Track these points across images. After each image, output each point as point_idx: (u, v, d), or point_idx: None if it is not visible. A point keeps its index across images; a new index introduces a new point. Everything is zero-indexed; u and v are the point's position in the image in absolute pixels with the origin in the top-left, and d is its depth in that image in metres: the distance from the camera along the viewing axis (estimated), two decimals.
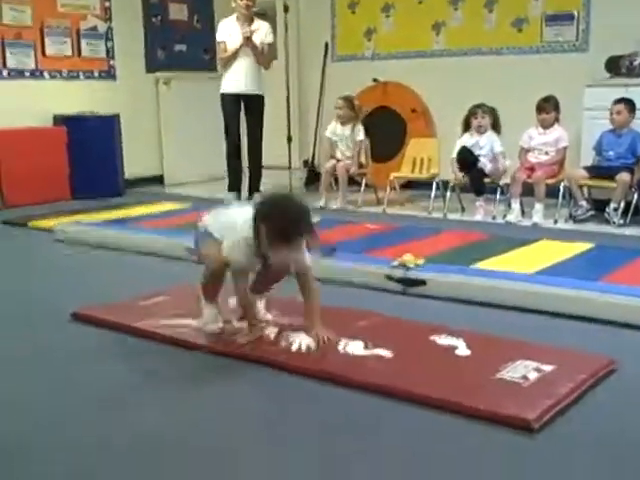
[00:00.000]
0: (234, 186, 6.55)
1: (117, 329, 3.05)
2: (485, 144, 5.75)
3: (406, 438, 2.14)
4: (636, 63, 5.77)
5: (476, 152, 5.73)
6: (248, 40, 6.16)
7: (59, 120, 6.81)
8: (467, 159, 5.69)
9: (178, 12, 7.94)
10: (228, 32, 6.29)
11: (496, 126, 5.80)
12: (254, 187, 6.58)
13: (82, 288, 3.79)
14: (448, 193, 5.88)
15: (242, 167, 6.70)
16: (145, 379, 2.60)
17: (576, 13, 6.36)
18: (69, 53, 7.03)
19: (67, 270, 4.26)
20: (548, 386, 2.36)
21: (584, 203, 5.48)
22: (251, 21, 6.27)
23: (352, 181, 6.47)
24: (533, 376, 2.44)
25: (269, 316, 3.08)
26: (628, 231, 5.10)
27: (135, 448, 2.09)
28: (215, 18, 7.74)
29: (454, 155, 5.81)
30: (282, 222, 2.64)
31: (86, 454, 2.06)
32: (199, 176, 7.79)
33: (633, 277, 3.56)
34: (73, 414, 2.31)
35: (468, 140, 5.81)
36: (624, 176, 5.23)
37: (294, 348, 2.74)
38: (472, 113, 5.81)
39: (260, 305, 3.10)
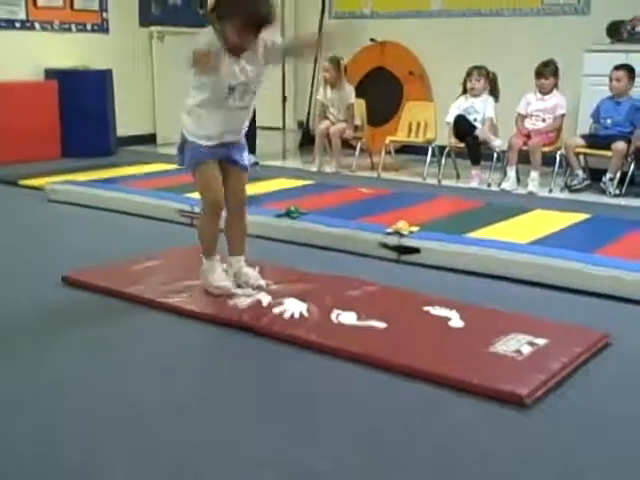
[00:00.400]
0: None
1: (108, 294, 3.02)
2: (480, 108, 5.68)
3: (397, 410, 2.14)
4: (638, 29, 5.68)
5: (472, 116, 5.67)
6: None
7: (51, 74, 6.68)
8: (463, 127, 5.62)
9: None
10: None
11: (494, 91, 5.73)
12: (250, 147, 6.47)
13: (73, 249, 3.75)
14: (443, 159, 5.83)
15: None
16: (133, 344, 2.58)
17: None
18: (61, 4, 6.87)
19: (57, 230, 4.22)
20: (541, 360, 2.35)
21: (580, 172, 5.44)
22: None
23: (346, 144, 6.40)
24: (526, 350, 2.42)
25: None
26: (624, 201, 5.08)
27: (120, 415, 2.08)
28: None
29: (449, 119, 5.74)
30: (254, 12, 2.64)
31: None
32: None
33: (628, 249, 3.56)
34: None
35: (463, 103, 5.74)
36: (620, 145, 5.19)
37: (287, 316, 2.73)
38: (468, 74, 5.73)
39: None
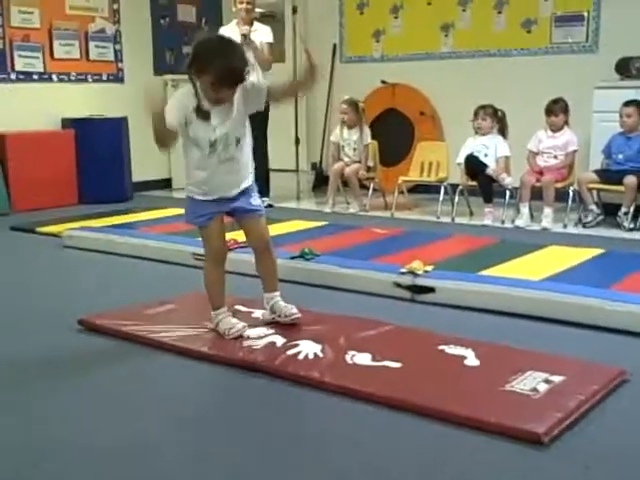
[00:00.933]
0: None
1: (123, 338, 3.04)
2: (490, 145, 5.71)
3: (415, 451, 2.12)
4: None
5: (482, 153, 5.69)
6: (245, 38, 6.16)
7: (67, 123, 6.82)
8: (474, 166, 5.66)
9: (186, 14, 7.94)
10: (228, 35, 6.27)
11: (503, 130, 5.76)
12: (262, 189, 6.53)
13: (89, 294, 3.79)
14: (456, 197, 5.85)
15: None
16: (149, 390, 2.58)
17: (586, 14, 6.32)
18: (77, 56, 7.03)
19: (73, 275, 4.26)
20: (558, 398, 2.33)
21: (594, 207, 5.44)
22: (251, 24, 6.27)
23: (360, 185, 6.44)
24: (543, 388, 2.41)
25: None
26: (638, 235, 5.06)
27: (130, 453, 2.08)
28: (223, 20, 7.73)
29: (460, 160, 5.77)
30: (225, 68, 2.70)
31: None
32: None
33: None
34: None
35: (472, 142, 5.77)
36: (631, 179, 5.19)
37: (301, 357, 2.73)
38: (475, 114, 5.78)
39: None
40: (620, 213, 5.28)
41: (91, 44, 7.12)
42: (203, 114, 2.80)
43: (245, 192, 2.99)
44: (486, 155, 5.69)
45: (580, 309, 3.17)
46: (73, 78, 7.01)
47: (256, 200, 3.04)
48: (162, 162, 7.73)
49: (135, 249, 4.61)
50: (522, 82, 6.53)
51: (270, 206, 6.46)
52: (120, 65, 7.37)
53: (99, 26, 7.18)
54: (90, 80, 7.15)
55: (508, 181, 5.66)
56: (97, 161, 6.74)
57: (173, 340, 2.95)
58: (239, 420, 2.34)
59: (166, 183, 7.76)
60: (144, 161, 7.34)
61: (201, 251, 4.26)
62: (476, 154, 5.69)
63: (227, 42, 2.83)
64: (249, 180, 3.01)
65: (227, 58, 2.72)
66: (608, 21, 6.20)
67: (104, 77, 7.26)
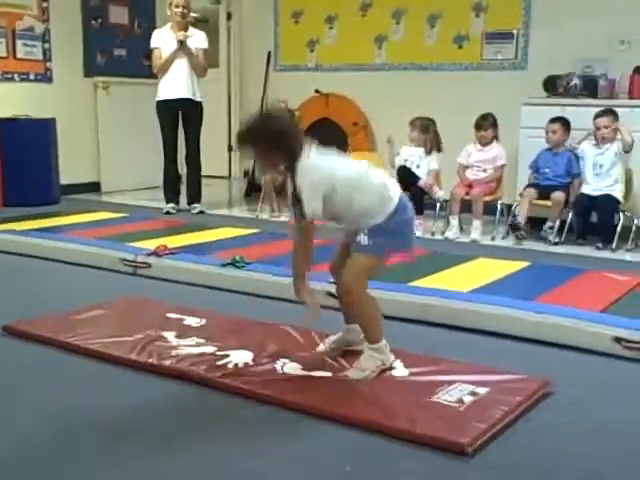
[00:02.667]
0: (172, 196, 6.48)
1: (51, 344, 2.96)
2: (423, 158, 5.78)
3: (340, 460, 2.12)
4: (572, 83, 5.89)
5: (415, 164, 5.76)
6: (182, 44, 6.11)
7: None
8: (406, 178, 5.72)
9: (119, 16, 7.80)
10: (163, 39, 6.24)
11: (435, 143, 5.82)
12: (194, 196, 6.51)
13: (13, 300, 3.68)
14: None
15: (180, 176, 6.62)
16: (83, 401, 2.51)
17: (515, 32, 6.48)
18: (4, 54, 6.82)
19: None
20: (483, 410, 2.37)
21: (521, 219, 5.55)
22: (186, 29, 6.23)
23: None
24: (468, 399, 2.44)
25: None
26: (563, 249, 5.20)
27: None
28: (157, 23, 7.63)
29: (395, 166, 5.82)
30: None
31: None
32: (137, 184, 7.65)
33: (567, 297, 3.62)
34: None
35: (407, 151, 5.83)
36: (559, 195, 5.34)
37: (231, 366, 2.70)
38: (411, 124, 5.84)
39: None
40: (545, 227, 5.41)
41: (18, 42, 6.92)
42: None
43: None
44: (418, 166, 5.76)
45: (506, 320, 3.23)
46: None
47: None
48: (91, 165, 7.58)
49: (61, 253, 4.50)
50: (453, 96, 6.65)
51: (202, 212, 6.40)
52: (49, 65, 7.18)
53: (27, 24, 6.98)
54: (17, 79, 6.94)
55: (439, 194, 5.75)
56: (22, 162, 6.53)
57: (100, 346, 2.89)
58: (161, 426, 2.30)
59: (95, 186, 7.59)
60: (72, 163, 7.19)
61: (130, 257, 4.25)
62: (409, 165, 5.76)
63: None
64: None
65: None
66: (536, 40, 6.37)
67: (32, 76, 7.06)
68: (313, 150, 2.66)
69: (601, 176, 5.32)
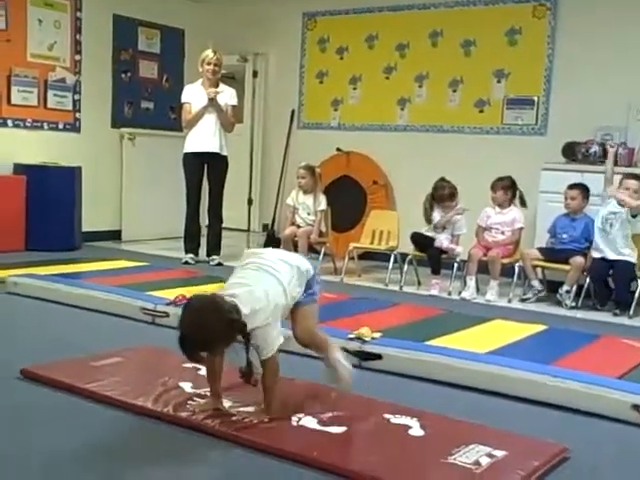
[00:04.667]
0: (191, 247, 6.55)
1: (66, 389, 2.98)
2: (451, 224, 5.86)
3: None
4: (592, 150, 5.95)
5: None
6: (212, 101, 6.26)
7: (19, 169, 6.75)
8: (421, 242, 5.79)
9: (148, 70, 8.02)
10: (193, 95, 6.39)
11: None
12: (214, 247, 6.58)
13: (32, 343, 3.71)
14: (405, 266, 5.94)
15: (200, 228, 6.70)
16: (92, 447, 2.52)
17: (536, 98, 6.59)
18: (35, 103, 7.01)
19: (17, 324, 4.17)
20: (499, 473, 2.35)
21: (536, 283, 5.56)
22: (217, 86, 6.39)
23: (311, 249, 6.48)
24: (485, 461, 2.43)
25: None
26: (579, 314, 5.20)
27: None
28: (185, 78, 7.83)
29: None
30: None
31: None
32: (157, 234, 7.75)
33: (584, 362, 3.62)
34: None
35: (438, 214, 5.87)
36: (578, 260, 5.34)
37: (246, 420, 2.70)
38: (435, 189, 5.89)
39: None
40: (561, 291, 5.41)
41: (50, 92, 7.11)
42: None
43: None
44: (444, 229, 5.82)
45: (523, 384, 3.22)
46: (29, 124, 6.96)
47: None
48: (113, 213, 7.70)
49: (81, 299, 4.54)
50: (473, 159, 6.74)
51: (220, 264, 6.45)
52: (77, 115, 7.36)
53: (59, 75, 7.18)
54: (46, 127, 7.11)
55: (458, 251, 5.78)
56: (47, 208, 6.66)
57: (116, 394, 2.90)
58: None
59: (116, 234, 7.69)
60: (95, 211, 7.31)
61: (149, 306, 4.28)
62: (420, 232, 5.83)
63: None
64: None
65: None
66: (556, 106, 6.48)
67: (60, 126, 7.23)
68: (241, 299, 2.59)
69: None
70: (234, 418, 2.71)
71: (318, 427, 2.67)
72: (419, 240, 5.81)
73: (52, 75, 7.12)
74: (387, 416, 2.81)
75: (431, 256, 5.80)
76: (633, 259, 5.29)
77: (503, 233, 5.78)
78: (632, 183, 5.32)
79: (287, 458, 2.43)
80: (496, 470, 2.37)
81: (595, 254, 5.37)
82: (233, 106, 6.47)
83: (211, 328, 2.50)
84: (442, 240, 5.76)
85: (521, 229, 5.76)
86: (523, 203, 5.84)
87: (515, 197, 5.83)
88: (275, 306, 2.67)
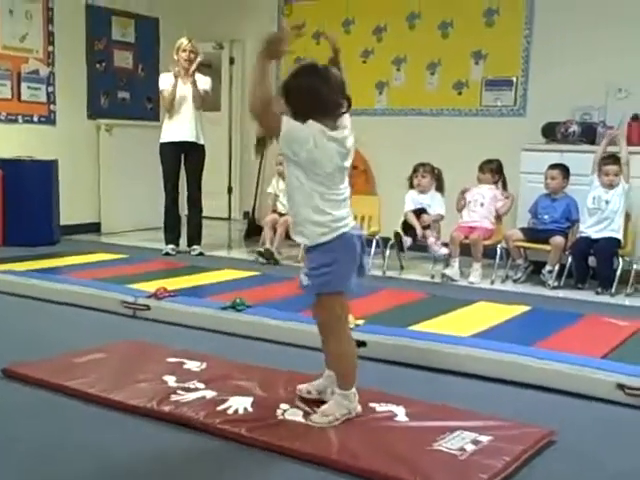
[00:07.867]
0: (172, 238, 6.49)
1: (50, 388, 2.94)
2: (428, 203, 5.84)
3: None
4: (571, 130, 5.94)
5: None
6: (188, 72, 6.18)
7: None
8: (412, 229, 5.78)
9: (123, 59, 7.91)
10: (169, 82, 6.30)
11: (440, 188, 5.90)
12: (194, 237, 6.52)
13: (12, 341, 3.65)
14: (387, 251, 5.91)
15: (180, 218, 6.63)
16: (75, 445, 2.49)
17: (515, 79, 6.57)
18: (8, 96, 6.89)
19: None
20: (484, 459, 2.34)
21: (521, 261, 5.58)
22: (192, 75, 6.31)
23: (290, 237, 6.44)
24: (470, 448, 2.42)
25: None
26: (562, 293, 5.21)
27: None
28: (160, 68, 7.73)
29: (407, 208, 5.84)
30: None
31: None
32: (137, 225, 7.67)
33: (568, 342, 3.61)
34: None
35: (415, 197, 5.87)
36: (558, 240, 5.35)
37: (230, 412, 2.68)
38: (414, 171, 5.91)
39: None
40: (544, 271, 5.42)
41: (23, 85, 7.00)
42: None
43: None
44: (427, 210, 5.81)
45: (508, 366, 3.22)
46: (3, 118, 6.85)
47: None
48: (91, 206, 7.62)
49: (61, 295, 4.49)
50: (453, 141, 6.72)
51: (201, 254, 6.41)
52: (52, 107, 7.25)
53: (33, 67, 7.07)
54: (20, 121, 7.01)
55: (441, 252, 5.74)
56: (24, 203, 6.56)
57: (99, 390, 2.86)
58: (162, 475, 2.28)
59: (95, 227, 7.62)
60: (73, 204, 7.22)
61: (129, 299, 4.24)
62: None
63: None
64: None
65: None
66: (535, 87, 6.46)
67: (35, 118, 7.13)
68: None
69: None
70: (218, 409, 2.68)
71: (304, 420, 2.64)
72: (411, 226, 5.79)
73: (25, 67, 7.00)
74: (372, 405, 2.79)
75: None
76: (619, 235, 5.29)
77: (482, 205, 5.77)
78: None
79: (271, 450, 2.41)
80: (482, 456, 2.36)
81: (583, 233, 5.37)
82: (206, 90, 6.38)
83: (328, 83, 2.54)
84: (428, 237, 5.73)
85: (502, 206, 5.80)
86: (505, 186, 5.86)
87: (500, 180, 5.85)
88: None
